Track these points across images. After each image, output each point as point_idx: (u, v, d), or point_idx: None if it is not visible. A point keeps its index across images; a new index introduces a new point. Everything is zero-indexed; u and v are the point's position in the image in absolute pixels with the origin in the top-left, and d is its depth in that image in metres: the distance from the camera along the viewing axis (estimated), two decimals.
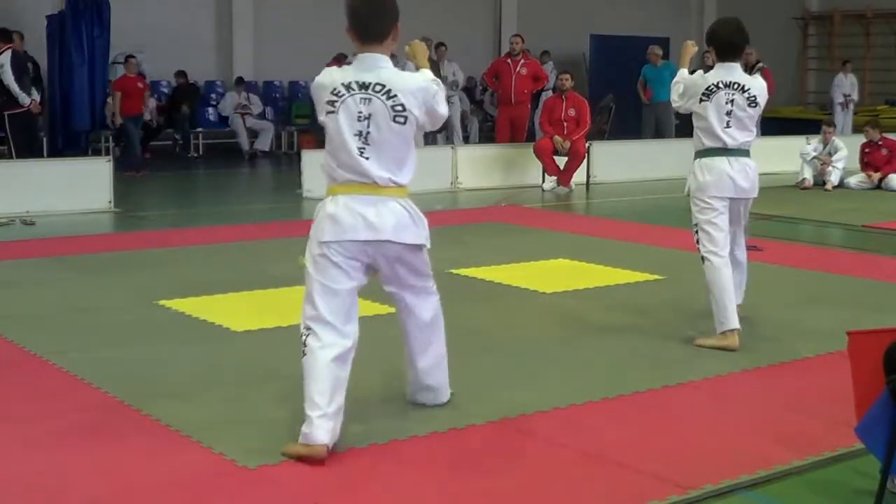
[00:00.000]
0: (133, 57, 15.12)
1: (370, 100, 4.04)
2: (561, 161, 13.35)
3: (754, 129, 5.93)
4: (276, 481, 3.80)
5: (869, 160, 13.76)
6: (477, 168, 13.78)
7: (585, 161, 13.62)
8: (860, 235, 10.13)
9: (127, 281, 7.45)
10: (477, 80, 19.60)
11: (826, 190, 13.45)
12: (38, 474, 3.85)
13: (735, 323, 5.70)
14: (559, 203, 12.67)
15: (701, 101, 5.82)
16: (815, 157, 13.78)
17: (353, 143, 4.05)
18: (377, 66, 4.10)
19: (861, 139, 14.22)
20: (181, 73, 17.40)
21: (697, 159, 5.87)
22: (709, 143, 5.81)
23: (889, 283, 7.58)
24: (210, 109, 18.13)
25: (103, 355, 5.46)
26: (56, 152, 14.55)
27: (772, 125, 17.89)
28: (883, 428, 3.42)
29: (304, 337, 4.12)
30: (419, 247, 4.24)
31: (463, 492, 3.74)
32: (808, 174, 13.71)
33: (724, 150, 5.78)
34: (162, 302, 6.67)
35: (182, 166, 16.48)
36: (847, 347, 3.66)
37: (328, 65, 17.84)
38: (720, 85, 5.78)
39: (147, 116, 16.85)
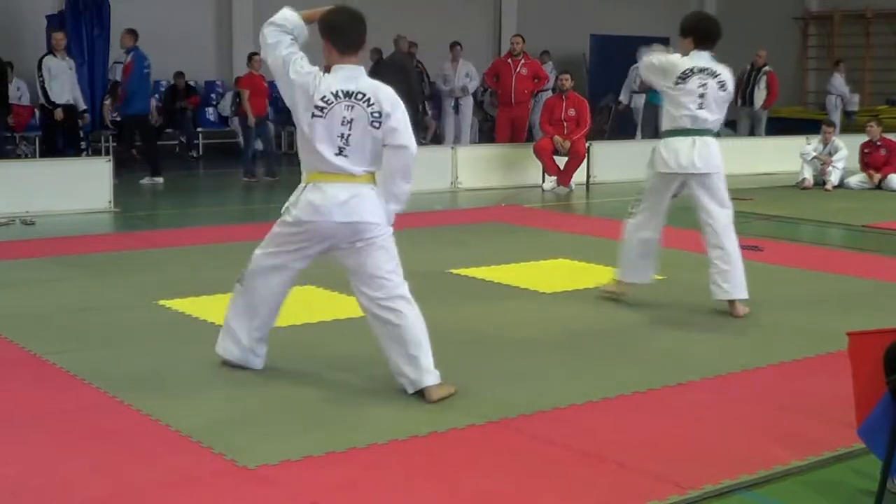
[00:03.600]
0: (257, 54, 14.84)
1: (353, 107, 4.58)
2: (561, 161, 13.35)
3: (723, 112, 6.50)
4: (275, 481, 3.80)
5: (869, 160, 13.76)
6: (477, 168, 13.77)
7: (585, 161, 13.62)
8: (860, 235, 10.13)
9: (127, 281, 7.45)
10: (477, 81, 19.57)
11: (826, 190, 13.44)
12: (37, 474, 3.85)
13: (625, 277, 6.71)
14: (559, 203, 12.67)
15: (677, 83, 6.36)
16: (815, 157, 13.78)
17: (335, 144, 4.61)
18: (356, 77, 4.67)
19: (860, 139, 14.23)
20: (179, 74, 17.41)
21: (665, 138, 6.44)
22: (677, 123, 6.37)
23: (889, 283, 7.58)
24: (210, 109, 18.12)
25: (103, 355, 5.46)
26: (56, 152, 14.55)
27: (772, 125, 17.91)
28: (884, 430, 3.42)
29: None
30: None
31: (463, 492, 3.74)
32: (808, 174, 13.71)
33: (691, 131, 6.35)
34: (162, 302, 6.67)
35: (182, 166, 16.48)
36: (847, 347, 3.66)
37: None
38: (694, 70, 6.34)
39: None
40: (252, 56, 14.67)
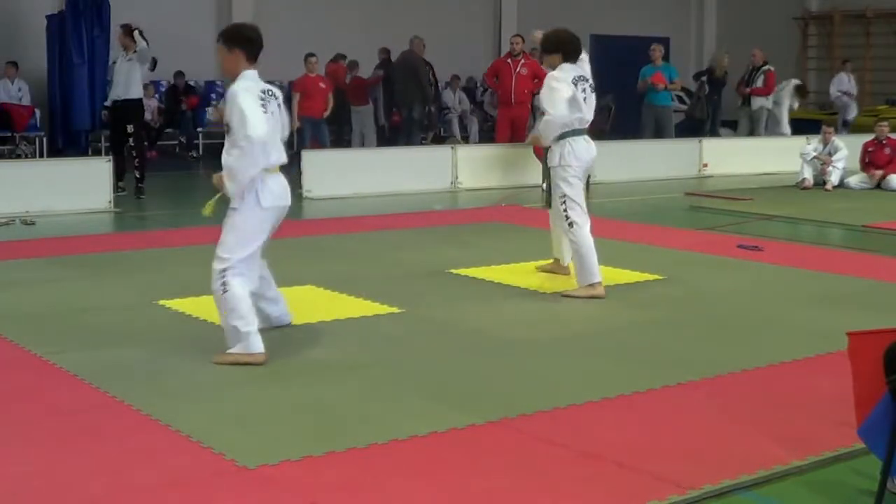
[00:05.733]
0: (313, 55, 14.69)
1: (270, 101, 5.44)
2: None
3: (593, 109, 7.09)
4: (275, 481, 3.80)
5: (871, 159, 13.75)
6: (477, 168, 13.77)
7: None
8: (860, 235, 10.12)
9: (127, 281, 7.45)
10: (477, 80, 19.59)
11: (826, 190, 13.44)
12: (37, 474, 3.85)
13: (599, 276, 6.86)
14: None
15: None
16: (815, 157, 13.78)
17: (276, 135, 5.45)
18: (260, 78, 5.47)
19: (860, 139, 14.22)
20: (179, 74, 17.41)
21: (566, 139, 6.86)
22: (575, 125, 6.88)
23: (889, 283, 7.57)
24: (210, 109, 18.11)
25: (103, 355, 5.46)
26: (56, 152, 14.53)
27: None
28: (884, 430, 3.41)
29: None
30: None
31: (463, 492, 3.74)
32: (808, 174, 13.71)
33: (582, 132, 6.96)
34: (162, 302, 6.67)
35: (182, 166, 16.48)
36: (847, 347, 3.66)
37: (327, 65, 17.70)
38: (579, 79, 6.95)
39: (147, 116, 16.86)
40: (307, 57, 14.60)
